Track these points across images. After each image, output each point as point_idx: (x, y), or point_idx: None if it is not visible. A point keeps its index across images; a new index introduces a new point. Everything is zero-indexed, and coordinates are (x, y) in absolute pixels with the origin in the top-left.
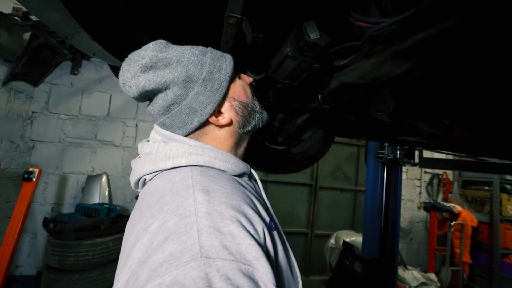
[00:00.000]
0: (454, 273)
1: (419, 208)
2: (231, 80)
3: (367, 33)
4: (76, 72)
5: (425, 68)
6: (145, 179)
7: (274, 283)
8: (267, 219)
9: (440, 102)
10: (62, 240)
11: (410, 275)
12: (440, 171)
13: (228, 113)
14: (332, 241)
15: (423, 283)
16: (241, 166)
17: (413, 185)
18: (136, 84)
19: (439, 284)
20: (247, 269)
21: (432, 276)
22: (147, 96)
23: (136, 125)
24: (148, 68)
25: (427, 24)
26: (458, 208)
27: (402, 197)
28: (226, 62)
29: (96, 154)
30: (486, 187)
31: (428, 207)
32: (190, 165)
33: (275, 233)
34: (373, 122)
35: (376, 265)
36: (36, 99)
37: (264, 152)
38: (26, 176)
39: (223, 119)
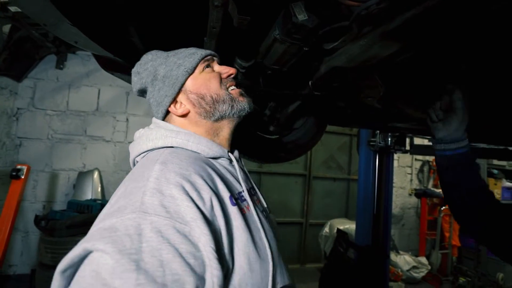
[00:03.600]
0: (444, 256)
1: (410, 194)
2: (190, 75)
3: (355, 12)
4: (61, 66)
5: (413, 49)
6: (136, 160)
7: (213, 246)
8: (226, 194)
9: (428, 86)
10: (54, 237)
11: (402, 259)
12: (430, 158)
13: (185, 104)
14: (326, 229)
15: (414, 267)
16: (216, 149)
17: (405, 172)
18: (132, 84)
19: (429, 267)
20: (183, 228)
21: (423, 259)
22: (143, 92)
23: (127, 119)
24: (135, 73)
25: (415, 2)
26: None
27: (394, 185)
28: (190, 59)
29: (86, 150)
30: None
31: (419, 194)
32: (166, 146)
33: (234, 208)
34: (363, 108)
35: (369, 251)
36: (20, 95)
37: (256, 141)
38: (14, 174)
39: (180, 109)
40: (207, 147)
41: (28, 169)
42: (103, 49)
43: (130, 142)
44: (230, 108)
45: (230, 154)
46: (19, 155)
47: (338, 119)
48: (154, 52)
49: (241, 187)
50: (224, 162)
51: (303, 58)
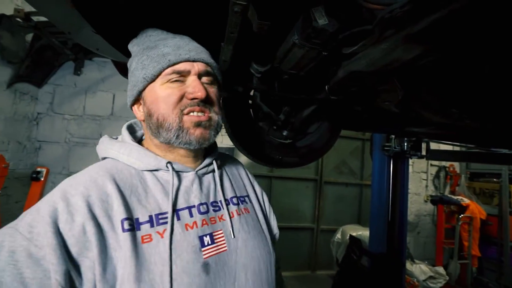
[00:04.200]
0: (463, 266)
1: (425, 201)
2: (150, 83)
3: (378, 15)
4: (79, 72)
5: (437, 52)
6: None
7: (59, 278)
8: (119, 217)
9: (449, 90)
10: None
11: (418, 268)
12: (446, 164)
13: (142, 111)
14: (338, 235)
15: (431, 277)
16: (148, 162)
17: (419, 178)
18: None
19: (447, 278)
20: (37, 252)
21: (440, 269)
22: None
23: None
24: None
25: (440, 5)
26: (466, 200)
27: (409, 191)
28: (155, 64)
29: None
30: (495, 179)
31: (435, 200)
32: (105, 157)
33: (124, 235)
34: (380, 113)
35: (384, 259)
36: (40, 100)
37: (269, 146)
38: (34, 176)
39: (139, 113)
40: (138, 159)
41: (47, 172)
42: (122, 55)
43: None
44: (175, 137)
45: (173, 166)
46: (38, 158)
47: (353, 124)
48: (147, 32)
49: (168, 207)
50: (164, 174)
51: (321, 62)
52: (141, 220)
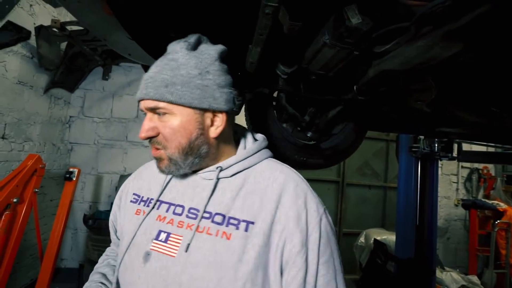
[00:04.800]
0: (500, 276)
1: (456, 205)
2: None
3: (418, 12)
4: (107, 77)
5: (478, 48)
6: None
7: (112, 217)
8: (133, 191)
9: (490, 88)
10: (101, 236)
11: (449, 276)
12: (480, 166)
13: None
14: (361, 239)
15: (463, 286)
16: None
17: (449, 181)
18: None
19: None
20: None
21: (474, 278)
22: None
23: None
24: None
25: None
26: (502, 205)
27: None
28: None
29: (127, 155)
30: None
31: (467, 205)
32: None
33: (130, 204)
34: (410, 113)
35: (412, 265)
36: (72, 104)
37: (293, 148)
38: (68, 176)
39: None
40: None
41: (79, 172)
42: (154, 60)
43: None
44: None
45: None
46: (70, 159)
47: (380, 125)
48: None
49: (156, 196)
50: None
51: (351, 62)
52: (144, 199)
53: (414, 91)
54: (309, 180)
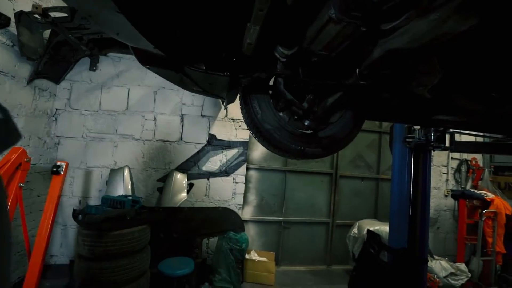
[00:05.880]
0: (486, 263)
1: (446, 196)
2: None
3: None
4: (94, 68)
5: (496, 21)
6: None
7: None
8: None
9: (492, 71)
10: (91, 231)
11: (438, 265)
12: (468, 157)
13: None
14: (354, 230)
15: (452, 273)
16: None
17: (439, 172)
18: None
19: (469, 275)
20: None
21: (462, 266)
22: None
23: (155, 118)
24: None
25: None
26: (489, 195)
27: None
28: None
29: (117, 148)
30: None
31: (456, 195)
32: None
33: None
34: (411, 98)
35: (406, 254)
36: (58, 96)
37: (290, 136)
38: (55, 169)
39: None
40: None
41: (67, 165)
42: (146, 41)
43: (158, 140)
44: None
45: None
46: (57, 153)
47: (379, 112)
48: None
49: None
50: None
51: (356, 41)
52: None
53: (418, 74)
54: (303, 173)
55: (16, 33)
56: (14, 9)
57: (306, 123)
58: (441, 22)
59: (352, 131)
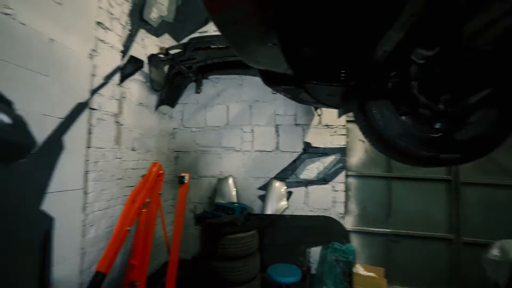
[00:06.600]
0: None
1: None
2: None
3: None
4: (199, 90)
5: None
6: None
7: None
8: None
9: None
10: (212, 234)
11: None
12: None
13: None
14: (495, 251)
15: None
16: None
17: None
18: None
19: None
20: None
21: None
22: None
23: (252, 130)
24: None
25: None
26: None
27: None
28: None
29: (221, 159)
30: None
31: None
32: None
33: None
34: None
35: None
36: (174, 118)
37: (419, 142)
38: (181, 180)
39: None
40: None
41: (189, 176)
42: (286, 64)
43: (256, 151)
44: None
45: None
46: (177, 165)
47: None
48: None
49: None
50: None
51: None
52: None
53: None
54: (410, 179)
55: (147, 71)
56: (145, 54)
57: (436, 126)
58: None
59: (506, 130)
